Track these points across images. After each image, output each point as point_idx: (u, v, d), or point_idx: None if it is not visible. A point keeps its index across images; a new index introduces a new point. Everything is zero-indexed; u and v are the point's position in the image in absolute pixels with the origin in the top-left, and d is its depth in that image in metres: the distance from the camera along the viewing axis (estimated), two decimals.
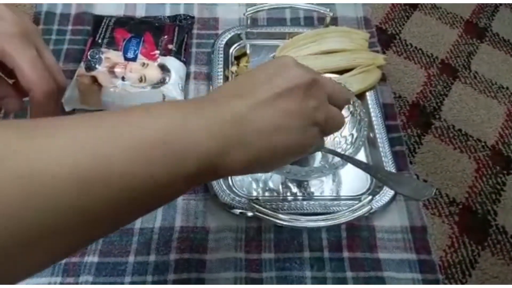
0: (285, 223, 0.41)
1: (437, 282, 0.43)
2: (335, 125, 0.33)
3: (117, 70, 0.52)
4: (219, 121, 0.26)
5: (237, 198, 0.46)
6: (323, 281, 0.43)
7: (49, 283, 0.41)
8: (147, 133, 0.23)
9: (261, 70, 0.30)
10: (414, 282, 0.43)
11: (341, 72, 0.56)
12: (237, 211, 0.45)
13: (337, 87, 0.33)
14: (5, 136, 0.20)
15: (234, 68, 0.57)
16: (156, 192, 0.24)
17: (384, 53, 0.65)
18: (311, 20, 0.65)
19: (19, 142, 0.20)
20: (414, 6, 0.72)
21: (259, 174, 0.49)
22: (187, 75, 0.57)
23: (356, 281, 0.43)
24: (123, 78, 0.52)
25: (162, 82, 0.53)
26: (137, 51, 0.54)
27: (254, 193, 0.48)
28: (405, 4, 0.72)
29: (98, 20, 0.58)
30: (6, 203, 0.19)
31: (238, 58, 0.59)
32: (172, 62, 0.54)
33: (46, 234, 0.20)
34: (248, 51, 0.60)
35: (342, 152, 0.47)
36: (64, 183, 0.20)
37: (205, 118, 0.26)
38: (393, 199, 0.47)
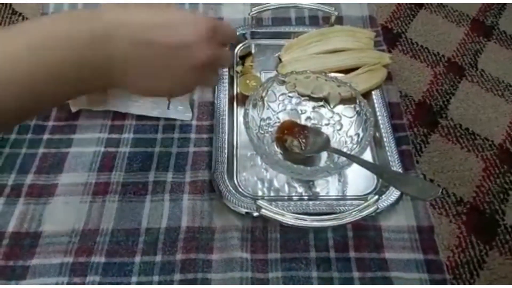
0: (291, 223, 0.41)
1: (444, 282, 0.43)
2: (228, 62, 0.41)
3: None
4: (103, 48, 0.30)
5: (242, 198, 0.46)
6: (330, 281, 0.43)
7: (57, 283, 0.42)
8: (38, 39, 0.29)
9: (163, 13, 0.33)
10: (421, 282, 0.43)
11: (346, 71, 0.56)
12: (243, 211, 0.45)
13: (220, 28, 0.36)
14: None
15: (239, 68, 0.57)
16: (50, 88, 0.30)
17: (389, 52, 0.64)
18: (316, 19, 0.65)
19: None
20: (420, 4, 0.71)
21: (264, 174, 0.49)
22: None
23: (362, 281, 0.43)
24: None
25: None
26: None
27: (260, 193, 0.48)
28: (410, 3, 0.71)
29: None
30: None
31: (243, 57, 0.59)
32: None
33: None
34: (253, 51, 0.60)
35: (348, 152, 0.46)
36: None
37: (95, 41, 0.30)
38: (399, 198, 0.46)
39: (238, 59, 0.59)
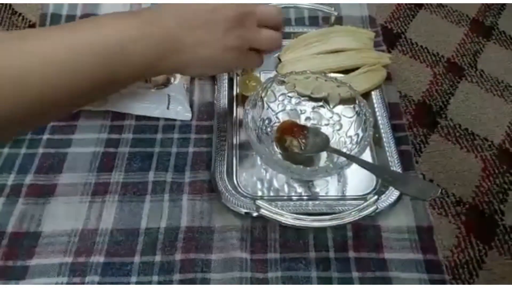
0: (290, 223, 0.41)
1: (443, 282, 0.43)
2: (269, 45, 0.42)
3: None
4: (158, 37, 0.35)
5: (242, 198, 0.46)
6: (329, 281, 0.43)
7: (56, 283, 0.42)
8: (106, 40, 0.33)
9: (201, 5, 0.37)
10: (420, 282, 0.43)
11: (346, 71, 0.56)
12: (243, 211, 0.45)
13: (266, 12, 0.41)
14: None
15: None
16: (112, 79, 0.34)
17: (389, 52, 0.64)
18: (316, 19, 0.65)
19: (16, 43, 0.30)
20: (420, 4, 0.71)
21: (264, 174, 0.49)
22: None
23: (362, 281, 0.43)
24: None
25: (167, 82, 0.53)
26: None
27: (259, 193, 0.48)
28: (410, 3, 0.71)
29: None
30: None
31: None
32: None
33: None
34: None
35: (348, 152, 0.46)
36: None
37: (148, 36, 0.35)
38: (399, 198, 0.46)
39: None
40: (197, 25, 0.37)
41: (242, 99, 0.55)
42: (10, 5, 0.66)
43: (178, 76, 0.53)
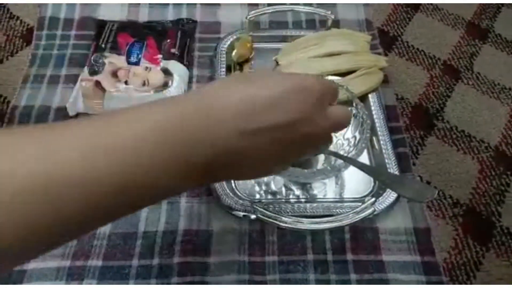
0: (288, 225, 0.41)
1: (441, 283, 0.43)
2: (342, 125, 0.33)
3: (120, 74, 0.52)
4: (206, 147, 0.26)
5: (240, 201, 0.46)
6: (327, 283, 0.43)
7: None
8: (146, 145, 0.24)
9: (265, 88, 0.28)
10: (418, 283, 0.43)
11: (343, 74, 0.56)
12: (240, 213, 0.45)
13: (329, 94, 0.31)
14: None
15: (237, 72, 0.58)
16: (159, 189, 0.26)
17: (386, 55, 0.65)
18: (313, 23, 0.65)
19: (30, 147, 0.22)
20: (416, 7, 0.72)
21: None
22: (190, 79, 0.57)
23: (360, 283, 0.43)
24: (126, 82, 0.52)
25: (165, 86, 0.53)
26: (140, 55, 0.54)
27: (257, 196, 0.48)
28: (406, 6, 0.72)
29: (101, 24, 0.59)
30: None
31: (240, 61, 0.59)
32: (175, 66, 0.55)
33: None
34: (250, 55, 0.60)
35: (345, 154, 0.47)
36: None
37: (196, 141, 0.25)
38: (396, 200, 0.46)
39: (236, 62, 0.59)
40: (262, 129, 0.27)
41: None
42: (8, 9, 0.66)
43: (176, 78, 0.54)
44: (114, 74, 0.52)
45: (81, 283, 0.42)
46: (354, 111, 0.48)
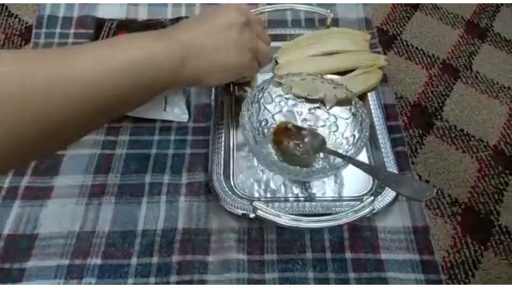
0: (287, 224, 0.41)
1: (440, 282, 0.43)
2: (265, 55, 0.46)
3: None
4: (178, 45, 0.37)
5: (239, 199, 0.46)
6: (326, 282, 0.43)
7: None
8: (130, 55, 0.33)
9: (207, 14, 0.42)
10: (417, 282, 0.43)
11: (342, 73, 0.56)
12: (239, 212, 0.45)
13: (261, 29, 0.46)
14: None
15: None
16: (133, 88, 0.34)
17: (385, 54, 0.65)
18: (312, 21, 0.65)
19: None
20: (415, 6, 0.72)
21: (260, 175, 0.49)
22: None
23: (358, 282, 0.43)
24: None
25: None
26: None
27: (256, 194, 0.48)
28: (406, 5, 0.72)
29: (100, 23, 0.59)
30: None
31: None
32: None
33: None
34: None
35: (344, 153, 0.47)
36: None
37: (166, 43, 0.36)
38: (395, 199, 0.46)
39: None
40: (214, 30, 0.40)
41: (238, 101, 0.55)
42: (7, 7, 0.65)
43: None
44: None
45: (80, 282, 0.42)
46: (353, 110, 0.48)
